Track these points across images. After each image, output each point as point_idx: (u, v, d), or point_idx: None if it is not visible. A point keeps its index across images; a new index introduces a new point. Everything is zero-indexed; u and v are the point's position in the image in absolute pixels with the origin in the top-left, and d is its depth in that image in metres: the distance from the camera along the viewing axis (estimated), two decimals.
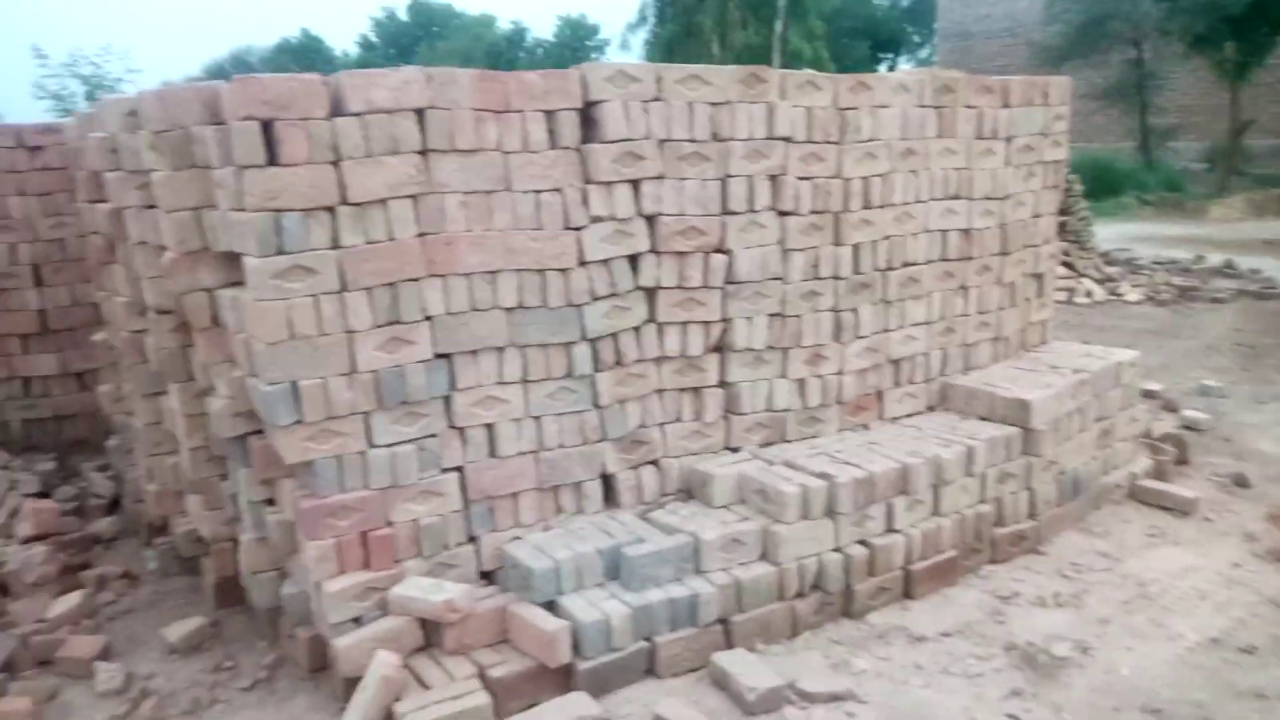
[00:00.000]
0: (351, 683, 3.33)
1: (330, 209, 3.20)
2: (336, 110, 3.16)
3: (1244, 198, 18.40)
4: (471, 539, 3.69)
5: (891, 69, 32.85)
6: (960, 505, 4.22)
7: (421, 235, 3.38)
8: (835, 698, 3.34)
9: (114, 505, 5.40)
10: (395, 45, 57.94)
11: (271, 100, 3.04)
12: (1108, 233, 14.54)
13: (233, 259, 3.48)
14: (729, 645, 3.64)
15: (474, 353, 3.57)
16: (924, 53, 38.84)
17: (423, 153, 3.33)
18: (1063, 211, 10.87)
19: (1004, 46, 28.32)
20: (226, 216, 3.25)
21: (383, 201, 3.28)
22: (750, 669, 3.43)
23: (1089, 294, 10.08)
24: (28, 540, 4.72)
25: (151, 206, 3.71)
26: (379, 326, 3.36)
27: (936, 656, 3.62)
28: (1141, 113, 22.43)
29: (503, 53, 46.03)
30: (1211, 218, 17.64)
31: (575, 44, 48.06)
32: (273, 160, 3.08)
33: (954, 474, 4.16)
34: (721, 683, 3.46)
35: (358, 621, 3.42)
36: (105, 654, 3.78)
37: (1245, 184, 20.01)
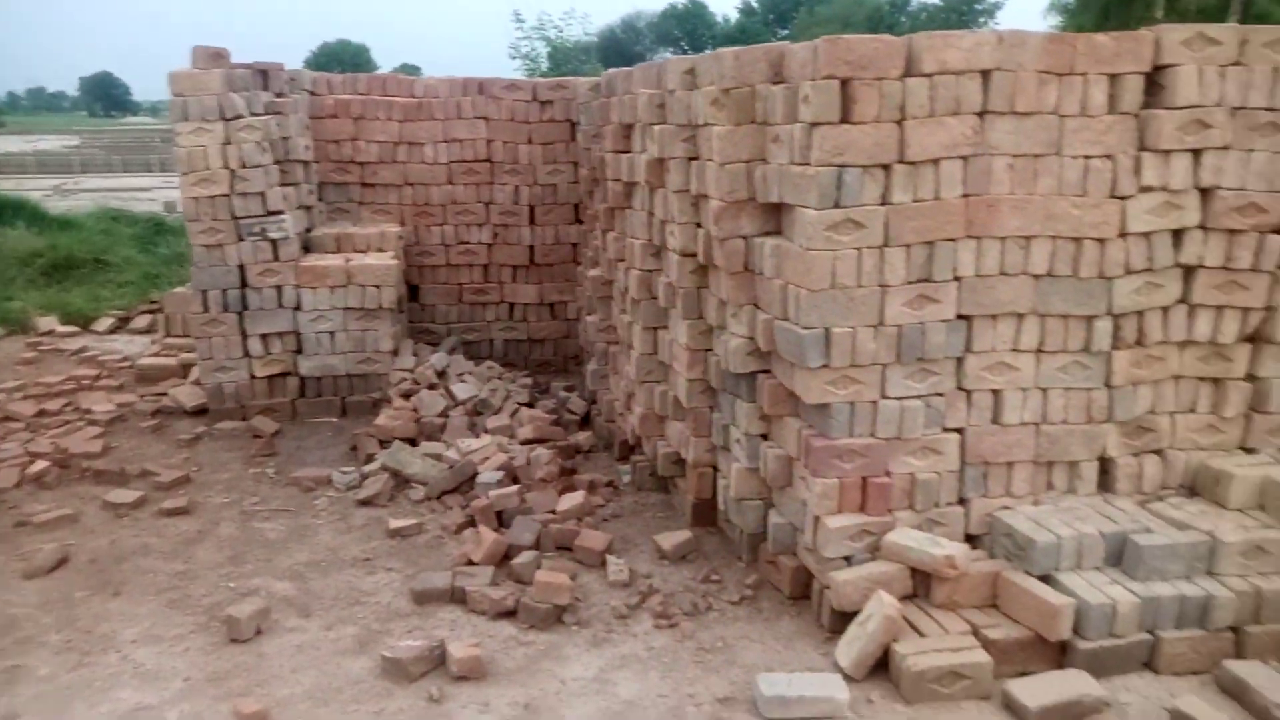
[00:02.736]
0: (840, 616, 3.54)
1: (886, 166, 3.33)
2: (909, 70, 3.28)
3: None
4: (961, 500, 3.74)
5: None
6: None
7: (965, 196, 3.42)
8: None
9: (584, 421, 6.11)
10: (775, 10, 58.53)
11: (854, 60, 3.21)
12: None
13: (772, 209, 3.75)
14: (1239, 655, 3.39)
15: (994, 317, 3.57)
16: None
17: (981, 114, 3.36)
18: None
19: None
20: (784, 170, 3.50)
21: (935, 161, 3.36)
22: (1274, 685, 3.16)
23: None
24: (526, 442, 5.49)
25: (694, 158, 4.10)
26: (910, 283, 3.46)
27: None
28: None
29: (884, 18, 44.74)
30: None
31: (963, 7, 45.45)
32: (844, 117, 3.27)
33: None
34: (1235, 692, 3.23)
35: (848, 560, 3.61)
36: (610, 549, 4.32)
37: None
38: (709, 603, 3.93)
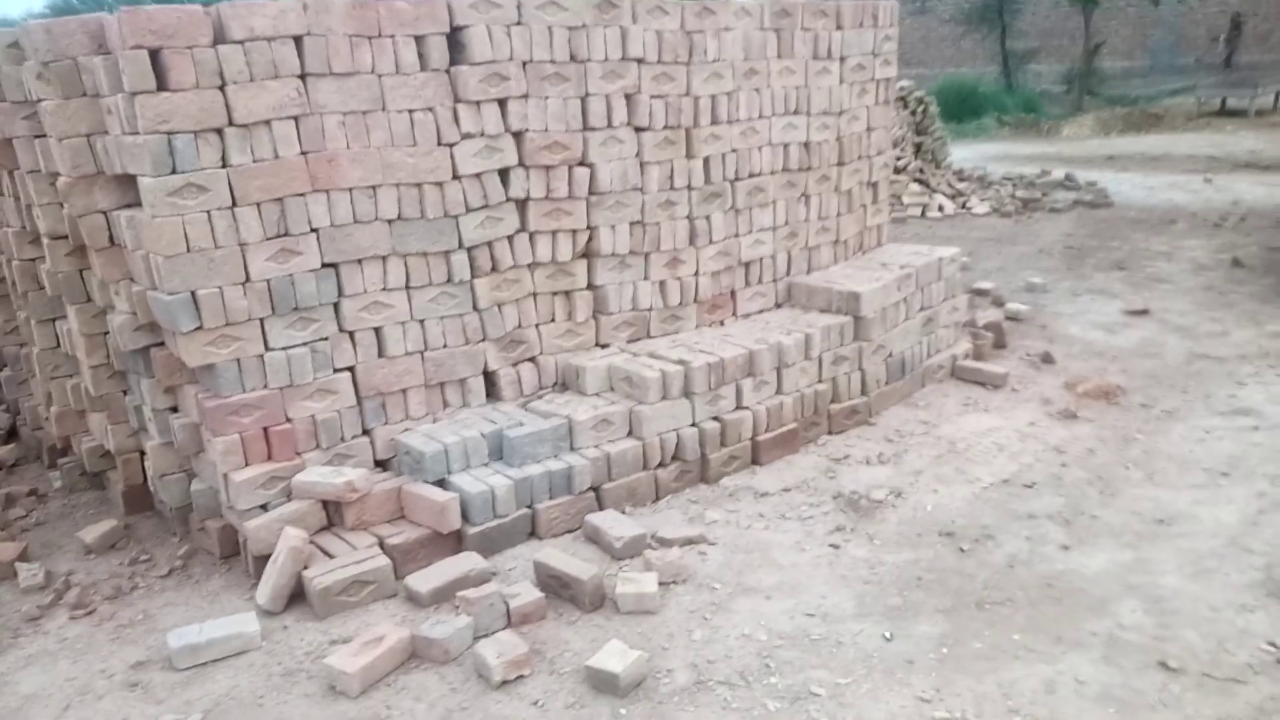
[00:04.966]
0: (262, 561, 3.74)
1: (219, 130, 3.49)
2: (220, 38, 3.44)
3: (1094, 116, 19.71)
4: (366, 431, 4.10)
5: None
6: (800, 385, 4.83)
7: (304, 154, 3.70)
8: (689, 541, 3.93)
9: (11, 435, 5.57)
10: None
11: (158, 30, 3.30)
12: (967, 152, 15.49)
13: (127, 181, 3.73)
14: (600, 509, 4.18)
15: (359, 262, 3.93)
16: None
17: (302, 76, 3.63)
18: (918, 132, 11.66)
19: None
20: (119, 140, 3.51)
21: (267, 123, 3.58)
22: (618, 524, 3.98)
23: (941, 208, 10.89)
24: None
25: (41, 135, 3.91)
26: (269, 239, 3.68)
27: (776, 507, 4.24)
28: (1002, 36, 23.54)
29: None
30: (1064, 136, 18.86)
31: None
32: (162, 86, 3.35)
33: (794, 357, 4.77)
34: (594, 537, 4.00)
35: (264, 508, 3.81)
36: (24, 557, 4.08)
37: (1097, 104, 21.37)
38: (135, 583, 3.90)
